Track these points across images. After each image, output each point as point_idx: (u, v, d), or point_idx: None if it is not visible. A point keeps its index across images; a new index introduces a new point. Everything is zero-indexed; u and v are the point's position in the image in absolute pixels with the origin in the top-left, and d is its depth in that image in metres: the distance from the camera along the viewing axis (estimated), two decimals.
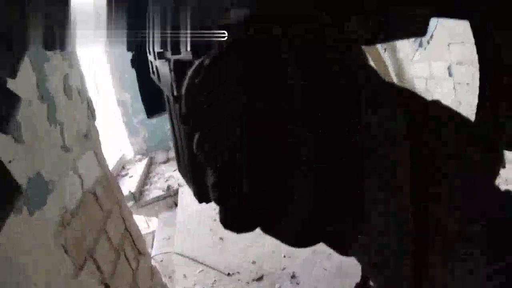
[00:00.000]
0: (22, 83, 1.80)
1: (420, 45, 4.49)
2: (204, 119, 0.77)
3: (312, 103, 0.68)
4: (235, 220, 0.78)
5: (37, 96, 1.99)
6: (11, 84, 0.93)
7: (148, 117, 1.78)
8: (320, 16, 0.74)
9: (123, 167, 7.38)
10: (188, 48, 0.87)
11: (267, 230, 0.78)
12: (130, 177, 6.73)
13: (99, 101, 6.62)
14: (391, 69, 4.91)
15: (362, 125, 0.66)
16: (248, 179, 0.72)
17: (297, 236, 0.76)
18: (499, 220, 0.61)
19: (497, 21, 0.78)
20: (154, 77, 1.35)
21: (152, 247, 4.97)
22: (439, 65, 4.33)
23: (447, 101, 4.08)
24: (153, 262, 3.61)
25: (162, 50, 1.14)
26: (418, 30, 0.88)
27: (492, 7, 0.77)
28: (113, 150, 7.17)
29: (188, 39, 0.87)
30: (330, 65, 0.70)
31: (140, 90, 1.69)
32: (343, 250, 0.77)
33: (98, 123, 2.98)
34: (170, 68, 1.06)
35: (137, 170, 7.06)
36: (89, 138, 2.68)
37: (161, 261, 4.47)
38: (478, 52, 0.87)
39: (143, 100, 1.69)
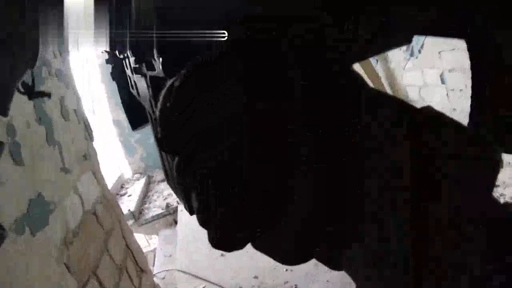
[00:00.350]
0: (19, 106, 1.81)
1: (412, 54, 4.51)
2: (180, 142, 0.76)
3: (312, 103, 0.67)
4: (222, 239, 0.76)
5: (34, 118, 2.00)
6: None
7: (132, 130, 1.76)
8: (321, 16, 0.74)
9: (122, 187, 7.36)
10: (160, 67, 0.84)
11: (258, 246, 0.77)
12: (129, 196, 6.71)
13: (95, 121, 6.62)
14: (383, 80, 4.93)
15: (362, 125, 0.65)
16: (248, 180, 0.71)
17: (297, 242, 0.75)
18: (499, 220, 0.61)
19: (498, 21, 0.78)
20: (134, 92, 1.31)
21: (153, 265, 4.94)
22: (432, 73, 4.35)
23: (441, 108, 4.10)
24: (155, 280, 3.60)
25: (137, 65, 1.09)
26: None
27: (493, 8, 0.77)
28: (111, 169, 7.15)
29: (159, 56, 0.84)
30: (330, 65, 0.69)
31: (122, 103, 1.65)
32: (336, 264, 0.76)
33: (96, 143, 2.99)
34: (147, 84, 1.02)
35: (135, 189, 7.03)
36: (88, 158, 2.69)
37: (163, 278, 4.45)
38: (478, 53, 0.87)
39: (126, 113, 1.66)
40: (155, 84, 0.93)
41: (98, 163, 2.91)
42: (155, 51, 0.81)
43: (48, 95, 1.23)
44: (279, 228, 0.73)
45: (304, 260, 0.78)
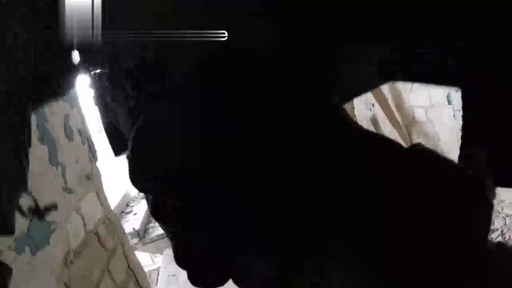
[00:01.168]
0: None
1: None
2: (146, 186, 0.75)
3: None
4: (200, 279, 0.74)
5: (37, 137, 2.00)
6: None
7: (115, 156, 1.73)
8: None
9: (127, 205, 7.33)
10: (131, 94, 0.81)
11: (238, 283, 0.75)
12: (134, 214, 6.68)
13: (101, 139, 6.60)
14: (390, 101, 4.91)
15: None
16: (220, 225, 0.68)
17: (277, 277, 0.72)
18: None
19: None
20: (114, 118, 1.28)
21: (156, 283, 4.91)
22: (438, 93, 4.33)
23: (448, 128, 4.06)
24: None
25: (114, 94, 1.00)
26: None
27: None
28: (117, 187, 7.14)
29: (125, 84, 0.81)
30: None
31: (104, 128, 1.62)
32: None
33: (100, 162, 2.98)
34: (124, 114, 0.96)
35: (141, 207, 7.01)
36: (91, 179, 2.68)
37: None
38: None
39: (108, 138, 1.63)
40: (131, 114, 0.87)
41: (101, 184, 2.90)
42: (125, 81, 0.77)
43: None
44: (258, 265, 0.71)
45: None
